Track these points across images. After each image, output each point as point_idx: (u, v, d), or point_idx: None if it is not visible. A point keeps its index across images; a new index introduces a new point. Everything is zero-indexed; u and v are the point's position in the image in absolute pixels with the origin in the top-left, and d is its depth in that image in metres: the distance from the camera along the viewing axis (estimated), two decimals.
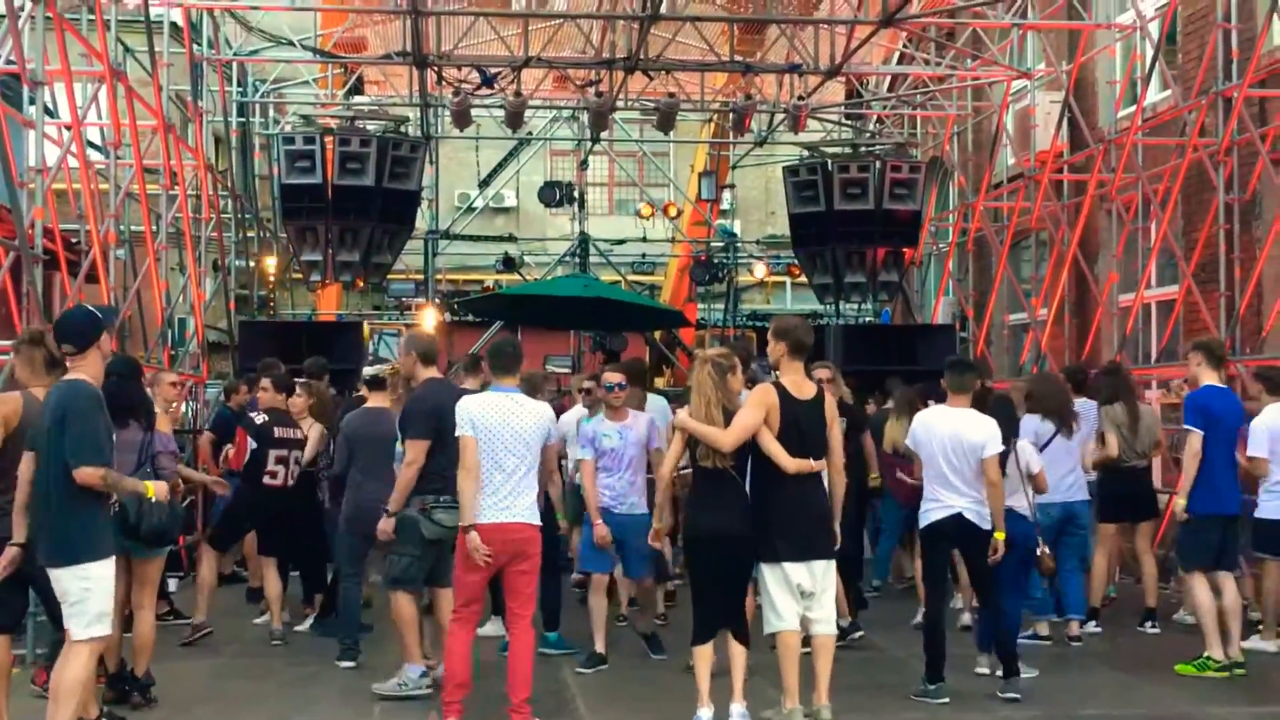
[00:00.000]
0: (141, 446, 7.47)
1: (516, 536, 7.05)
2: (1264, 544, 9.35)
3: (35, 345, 6.80)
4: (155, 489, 6.49)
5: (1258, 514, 9.34)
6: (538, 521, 7.19)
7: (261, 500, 9.81)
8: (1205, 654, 8.63)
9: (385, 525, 7.93)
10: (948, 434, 7.99)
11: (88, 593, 6.06)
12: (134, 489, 6.35)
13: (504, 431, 7.05)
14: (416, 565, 7.87)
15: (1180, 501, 8.85)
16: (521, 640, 7.11)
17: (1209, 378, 8.91)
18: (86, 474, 6.03)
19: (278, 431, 9.80)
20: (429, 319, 20.66)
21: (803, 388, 7.24)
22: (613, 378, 8.95)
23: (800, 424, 7.12)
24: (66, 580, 6.06)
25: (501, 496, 7.03)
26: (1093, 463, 10.10)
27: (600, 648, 8.81)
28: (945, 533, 8.02)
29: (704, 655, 7.25)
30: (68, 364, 6.32)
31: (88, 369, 6.28)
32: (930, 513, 8.05)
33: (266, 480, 9.69)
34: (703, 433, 7.09)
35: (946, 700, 7.88)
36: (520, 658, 7.06)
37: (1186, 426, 8.86)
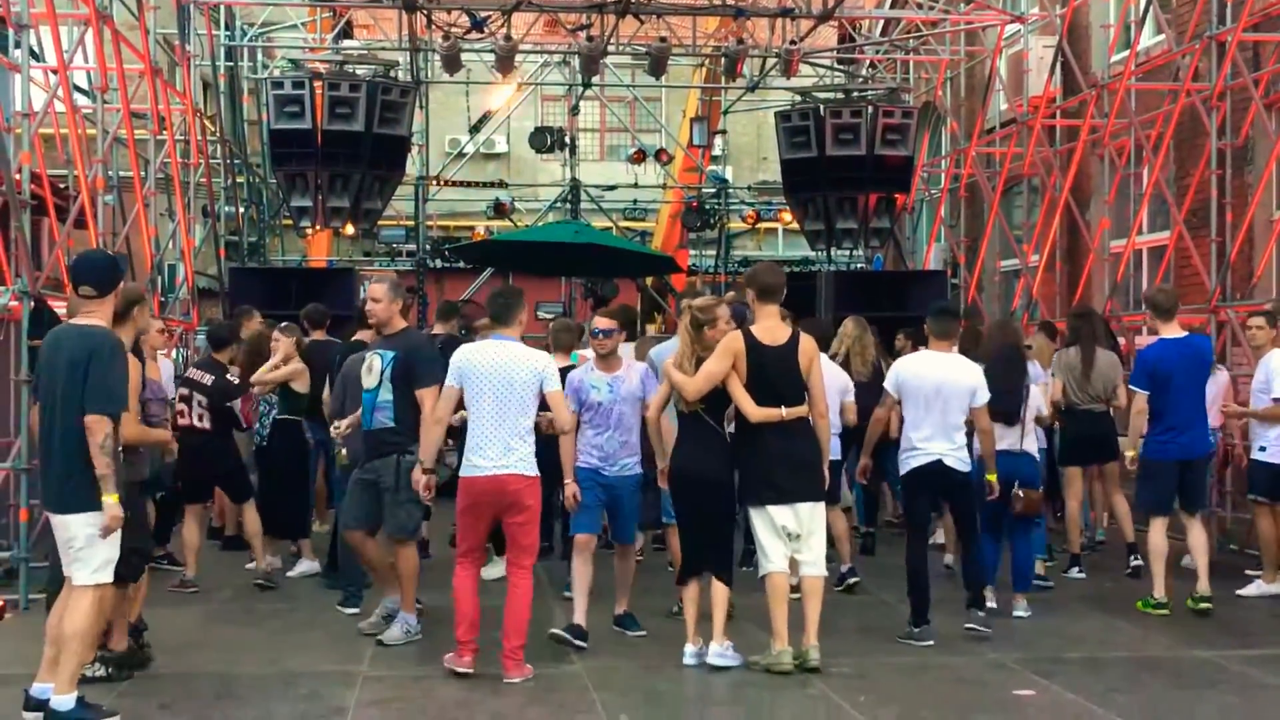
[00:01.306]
0: None
1: (510, 488, 7.03)
2: (1261, 487, 9.41)
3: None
4: (108, 505, 6.09)
5: (1261, 458, 9.38)
6: (533, 473, 7.10)
7: (181, 441, 9.75)
8: (1150, 593, 8.91)
9: (428, 480, 7.37)
10: (937, 380, 8.00)
11: (97, 539, 6.12)
12: (101, 473, 6.06)
13: (495, 380, 7.04)
14: (424, 514, 7.87)
15: (1129, 453, 9.17)
16: (519, 588, 7.14)
17: (1164, 330, 9.04)
18: (98, 421, 6.04)
19: (189, 373, 9.98)
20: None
21: (775, 333, 7.27)
22: (601, 323, 8.10)
23: (768, 370, 7.17)
24: (77, 526, 6.10)
25: (493, 446, 7.02)
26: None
27: (580, 618, 7.87)
28: (926, 480, 8.06)
29: (689, 594, 7.43)
30: (84, 307, 6.29)
31: (104, 315, 6.28)
32: (911, 459, 8.06)
33: (178, 420, 9.67)
34: (674, 380, 7.24)
35: (931, 643, 7.96)
36: (516, 605, 7.10)
37: (1131, 386, 9.12)
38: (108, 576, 6.23)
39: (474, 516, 7.15)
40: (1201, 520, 9.22)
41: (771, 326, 7.29)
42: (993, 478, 8.20)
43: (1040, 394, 9.23)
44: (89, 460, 6.07)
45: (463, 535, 7.25)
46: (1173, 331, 9.02)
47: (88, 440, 6.04)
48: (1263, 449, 9.44)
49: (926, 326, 8.38)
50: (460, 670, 7.06)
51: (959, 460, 8.02)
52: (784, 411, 7.15)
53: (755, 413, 7.13)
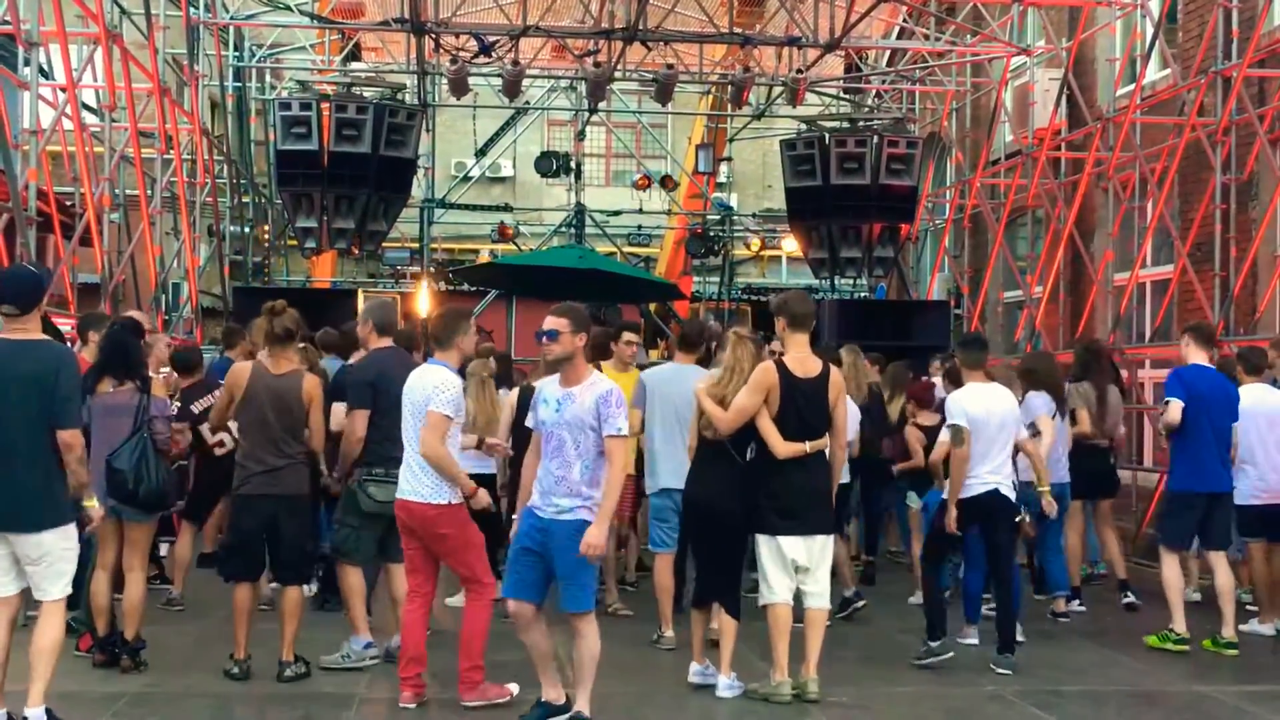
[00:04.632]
0: (137, 410, 7.46)
1: (417, 516, 6.82)
2: (1245, 528, 9.39)
3: (267, 317, 7.45)
4: (92, 510, 6.24)
5: (1235, 500, 9.37)
6: (443, 499, 6.77)
7: (208, 472, 9.54)
8: (1169, 626, 8.73)
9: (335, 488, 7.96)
10: (1002, 413, 8.06)
11: (68, 553, 6.13)
12: (83, 483, 6.16)
13: (408, 404, 6.89)
14: (355, 536, 7.78)
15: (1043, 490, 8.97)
16: (469, 610, 6.97)
17: (1197, 358, 8.97)
18: (74, 436, 6.04)
19: (199, 403, 9.52)
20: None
21: (807, 364, 7.21)
22: (549, 321, 6.50)
23: (799, 403, 7.11)
24: (51, 542, 6.05)
25: (405, 471, 6.91)
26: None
27: (554, 695, 6.60)
28: (980, 509, 8.04)
29: (697, 618, 7.45)
30: (8, 324, 6.23)
31: (36, 329, 6.25)
32: (970, 488, 8.02)
33: (217, 451, 9.38)
34: (708, 409, 7.19)
35: (952, 654, 7.98)
36: (466, 628, 6.92)
37: (1167, 398, 8.95)
38: (70, 589, 6.26)
39: (406, 539, 6.97)
40: (1228, 559, 9.01)
41: (803, 357, 7.22)
42: (1046, 489, 8.50)
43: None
44: (60, 475, 6.05)
45: (406, 559, 7.11)
46: (1204, 361, 8.96)
47: (66, 455, 6.02)
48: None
49: (958, 359, 8.44)
50: (402, 705, 6.90)
51: (1010, 489, 8.11)
52: (808, 446, 7.12)
53: (783, 449, 7.07)
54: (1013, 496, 8.10)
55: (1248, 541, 9.46)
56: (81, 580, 7.08)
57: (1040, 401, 9.37)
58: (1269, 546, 9.32)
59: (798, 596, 7.26)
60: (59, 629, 6.13)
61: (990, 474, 8.01)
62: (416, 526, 6.87)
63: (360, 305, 15.93)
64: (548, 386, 6.60)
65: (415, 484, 6.81)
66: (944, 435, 8.22)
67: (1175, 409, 8.79)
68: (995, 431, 8.02)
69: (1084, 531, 10.61)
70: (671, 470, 8.28)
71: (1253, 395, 9.23)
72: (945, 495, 8.15)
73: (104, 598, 7.58)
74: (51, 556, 6.06)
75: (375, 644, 7.86)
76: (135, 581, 7.64)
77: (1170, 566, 8.83)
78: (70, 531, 6.10)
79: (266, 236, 20.41)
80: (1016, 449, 8.33)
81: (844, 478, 9.13)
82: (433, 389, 6.74)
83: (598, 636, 6.53)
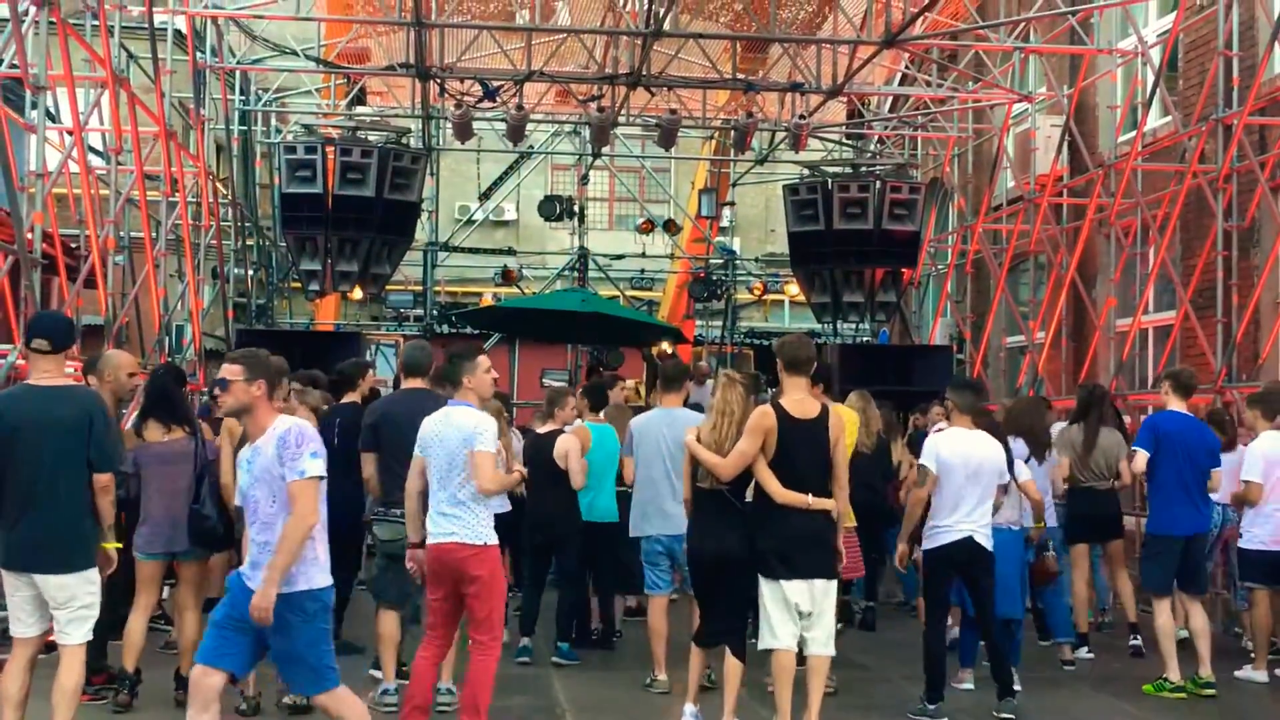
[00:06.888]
0: (195, 456, 7.40)
1: (450, 558, 6.56)
2: (1250, 573, 9.37)
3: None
4: (109, 550, 6.34)
5: (1242, 544, 9.37)
6: (479, 540, 6.55)
7: None
8: (1162, 675, 8.76)
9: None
10: (979, 459, 7.96)
11: (92, 598, 6.20)
12: (110, 524, 6.31)
13: (437, 447, 6.68)
14: (381, 577, 7.84)
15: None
16: (475, 664, 6.60)
17: (1175, 405, 9.12)
18: (110, 479, 6.20)
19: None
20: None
21: (805, 406, 7.16)
22: (224, 370, 5.81)
23: (797, 446, 7.07)
24: (76, 586, 6.14)
25: (435, 515, 6.66)
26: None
27: None
28: (954, 557, 7.97)
29: (697, 655, 7.44)
30: (33, 362, 6.27)
31: (61, 372, 6.30)
32: (940, 535, 7.97)
33: None
34: (705, 459, 7.13)
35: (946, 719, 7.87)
36: (470, 681, 6.59)
37: (1134, 446, 9.21)
38: (93, 634, 6.31)
39: (432, 588, 6.73)
40: (1202, 603, 9.19)
41: (801, 399, 7.18)
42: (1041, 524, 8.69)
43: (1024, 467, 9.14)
44: (90, 520, 6.16)
45: (430, 609, 6.86)
46: (1181, 409, 9.10)
47: (101, 497, 6.16)
48: (1241, 534, 9.48)
49: (949, 402, 8.40)
50: None
51: (987, 538, 7.99)
52: (810, 500, 7.04)
53: (781, 495, 7.01)
54: (988, 545, 7.99)
55: (1252, 588, 9.44)
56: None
57: (1016, 448, 9.36)
58: (1274, 594, 9.32)
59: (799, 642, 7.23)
60: (80, 672, 6.22)
61: (962, 522, 7.90)
62: (447, 569, 6.60)
63: (363, 348, 16.03)
64: (244, 450, 5.92)
65: (446, 526, 6.58)
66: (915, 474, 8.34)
67: (1140, 459, 9.03)
68: (966, 479, 7.90)
69: (1090, 576, 10.57)
70: (661, 515, 8.36)
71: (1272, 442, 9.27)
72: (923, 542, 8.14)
73: (139, 635, 7.56)
74: (76, 600, 6.13)
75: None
76: (189, 620, 7.62)
77: (1162, 613, 8.88)
78: (94, 576, 6.19)
79: (270, 279, 20.44)
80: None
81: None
82: (474, 431, 6.54)
83: (360, 713, 5.81)
